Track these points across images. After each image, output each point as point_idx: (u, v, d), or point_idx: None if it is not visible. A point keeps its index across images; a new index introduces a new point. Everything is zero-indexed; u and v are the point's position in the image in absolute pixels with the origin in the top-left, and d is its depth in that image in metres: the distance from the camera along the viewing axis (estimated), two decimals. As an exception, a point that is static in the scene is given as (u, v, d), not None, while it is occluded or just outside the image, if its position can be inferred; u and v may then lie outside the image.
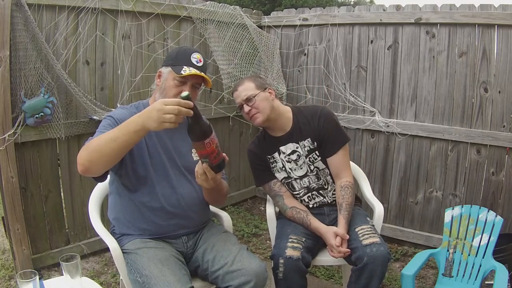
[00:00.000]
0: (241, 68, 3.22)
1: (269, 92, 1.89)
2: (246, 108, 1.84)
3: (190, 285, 1.42)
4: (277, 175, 1.98)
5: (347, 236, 1.78)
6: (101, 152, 1.29)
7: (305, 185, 1.96)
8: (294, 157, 1.94)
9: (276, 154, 1.96)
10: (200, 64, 1.55)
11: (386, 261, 1.66)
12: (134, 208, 1.59)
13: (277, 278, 1.70)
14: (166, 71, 1.56)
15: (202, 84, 1.58)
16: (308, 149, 1.92)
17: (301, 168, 1.94)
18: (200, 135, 1.28)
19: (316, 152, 1.93)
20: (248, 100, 1.84)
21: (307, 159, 1.93)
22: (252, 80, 1.90)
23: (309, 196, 1.98)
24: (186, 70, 1.50)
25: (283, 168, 1.96)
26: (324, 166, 1.95)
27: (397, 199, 3.03)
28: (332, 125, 1.92)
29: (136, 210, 1.59)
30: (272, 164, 1.97)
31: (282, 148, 1.94)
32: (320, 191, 1.97)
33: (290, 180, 1.97)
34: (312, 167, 1.94)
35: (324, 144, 1.91)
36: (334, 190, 1.97)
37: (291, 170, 1.95)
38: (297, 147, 1.93)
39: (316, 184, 1.96)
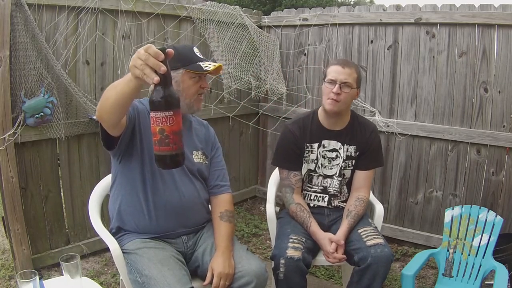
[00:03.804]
0: (241, 68, 3.21)
1: (357, 93, 1.88)
2: (337, 89, 1.79)
3: (190, 285, 1.42)
4: (304, 165, 1.95)
5: (342, 242, 1.78)
6: (106, 98, 1.26)
7: (325, 185, 1.97)
8: (331, 155, 1.92)
9: (315, 145, 1.93)
10: (203, 57, 1.58)
11: (389, 262, 1.67)
12: (136, 203, 1.58)
13: (278, 278, 1.70)
14: (177, 74, 1.52)
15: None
16: (349, 155, 1.93)
17: (331, 169, 1.94)
18: (150, 103, 1.07)
19: (353, 161, 1.94)
20: (345, 84, 1.80)
21: (343, 163, 1.94)
22: (358, 71, 1.87)
23: (316, 195, 1.98)
24: (206, 65, 1.52)
25: (315, 161, 1.94)
26: (349, 176, 1.97)
27: (397, 199, 3.03)
28: (378, 145, 1.98)
29: (138, 205, 1.58)
30: (306, 153, 1.94)
31: (324, 142, 1.93)
32: (332, 198, 1.98)
33: (312, 174, 1.96)
34: (341, 172, 1.95)
35: (363, 157, 1.94)
36: (343, 202, 1.99)
37: (321, 166, 1.94)
38: (340, 148, 1.93)
39: (334, 190, 1.97)
